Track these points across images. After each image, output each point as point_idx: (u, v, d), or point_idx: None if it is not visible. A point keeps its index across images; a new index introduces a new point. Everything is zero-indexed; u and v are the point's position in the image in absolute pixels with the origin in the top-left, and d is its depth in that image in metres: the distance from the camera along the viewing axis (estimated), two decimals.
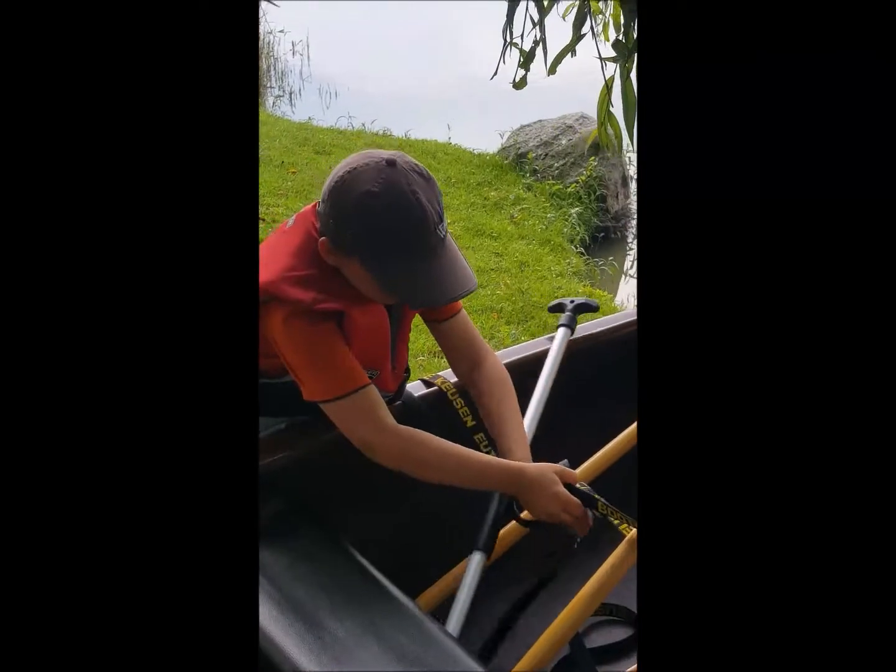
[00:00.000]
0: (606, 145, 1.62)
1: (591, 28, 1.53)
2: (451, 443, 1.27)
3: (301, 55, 7.66)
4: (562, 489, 1.27)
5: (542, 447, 1.39)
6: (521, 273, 3.93)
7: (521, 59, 1.55)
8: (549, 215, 4.59)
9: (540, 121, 5.52)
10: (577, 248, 4.44)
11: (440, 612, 1.27)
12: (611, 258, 4.44)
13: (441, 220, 1.22)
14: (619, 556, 1.28)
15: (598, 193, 4.87)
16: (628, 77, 1.48)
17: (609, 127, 1.57)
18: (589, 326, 1.75)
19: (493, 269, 3.90)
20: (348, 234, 1.20)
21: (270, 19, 7.12)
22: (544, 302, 3.64)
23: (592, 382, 1.62)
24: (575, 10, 1.55)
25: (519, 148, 5.32)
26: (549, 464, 1.30)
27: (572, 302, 1.72)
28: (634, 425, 1.54)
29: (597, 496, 1.29)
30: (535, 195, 4.86)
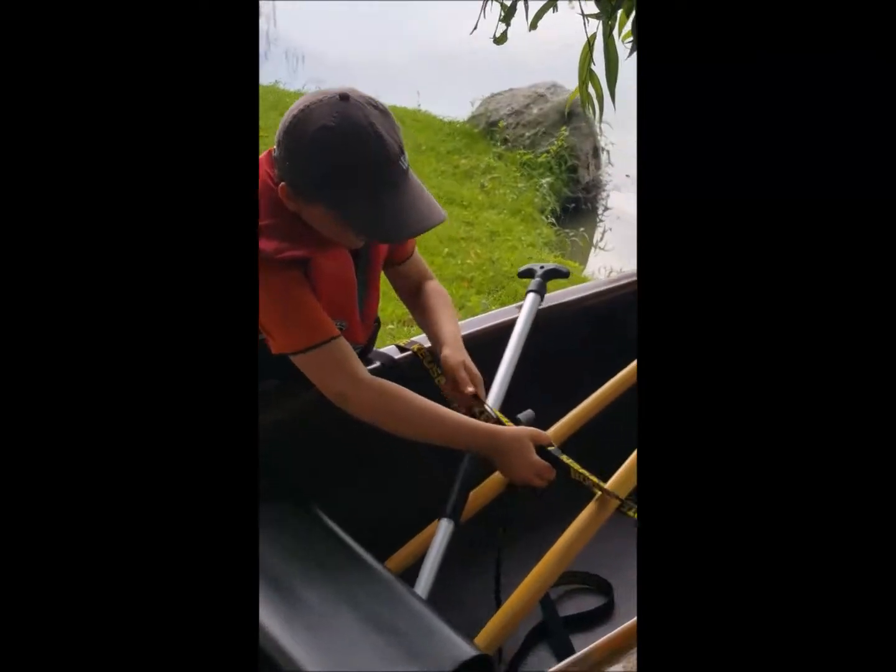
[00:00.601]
0: (587, 105, 1.58)
1: None
2: (426, 399, 1.25)
3: (268, 17, 7.49)
4: (536, 457, 1.25)
5: (509, 414, 1.37)
6: (492, 242, 3.89)
7: (502, 14, 1.50)
8: (519, 185, 4.55)
9: (511, 89, 5.44)
10: (547, 219, 4.41)
11: (410, 574, 1.26)
12: (581, 229, 4.41)
13: (402, 152, 1.18)
14: (588, 516, 1.28)
15: (569, 164, 4.82)
16: (611, 34, 1.44)
17: (590, 86, 1.54)
18: (556, 296, 1.73)
19: (463, 238, 3.86)
20: (308, 174, 1.15)
21: None
22: (515, 272, 3.60)
23: (559, 352, 1.63)
24: None
25: (489, 116, 5.25)
26: (524, 427, 1.29)
27: (542, 267, 1.70)
28: (604, 387, 1.53)
29: (570, 461, 1.28)
30: (506, 164, 4.81)
